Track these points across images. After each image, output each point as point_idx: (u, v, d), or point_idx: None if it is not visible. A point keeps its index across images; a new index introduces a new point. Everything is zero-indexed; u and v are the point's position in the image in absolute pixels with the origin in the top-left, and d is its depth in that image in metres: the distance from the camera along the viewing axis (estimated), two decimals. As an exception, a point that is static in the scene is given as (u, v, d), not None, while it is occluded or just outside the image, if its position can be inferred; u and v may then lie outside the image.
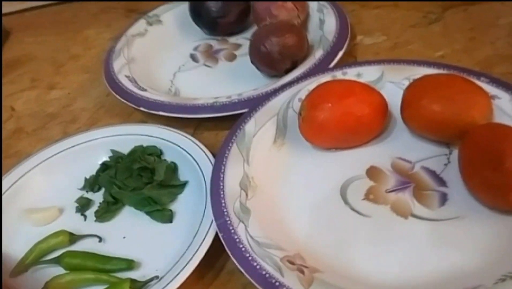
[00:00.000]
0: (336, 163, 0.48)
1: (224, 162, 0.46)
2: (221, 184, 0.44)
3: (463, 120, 0.43)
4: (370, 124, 0.47)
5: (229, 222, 0.41)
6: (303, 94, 0.52)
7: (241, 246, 0.39)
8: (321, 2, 0.66)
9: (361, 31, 0.66)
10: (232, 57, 0.66)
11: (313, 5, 0.66)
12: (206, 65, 0.66)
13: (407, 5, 0.69)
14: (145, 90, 0.59)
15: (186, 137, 0.51)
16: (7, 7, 0.88)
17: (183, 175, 0.50)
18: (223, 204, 0.43)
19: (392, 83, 0.52)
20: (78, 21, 0.84)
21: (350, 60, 0.61)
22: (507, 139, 0.39)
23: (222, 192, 0.44)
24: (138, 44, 0.68)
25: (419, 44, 0.62)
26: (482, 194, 0.41)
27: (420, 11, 0.67)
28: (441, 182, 0.44)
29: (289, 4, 0.63)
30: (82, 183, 0.52)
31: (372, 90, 0.48)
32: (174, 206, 0.48)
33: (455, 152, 0.45)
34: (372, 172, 0.46)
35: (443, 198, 0.43)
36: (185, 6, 0.70)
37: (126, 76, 0.61)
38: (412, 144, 0.48)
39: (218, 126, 0.56)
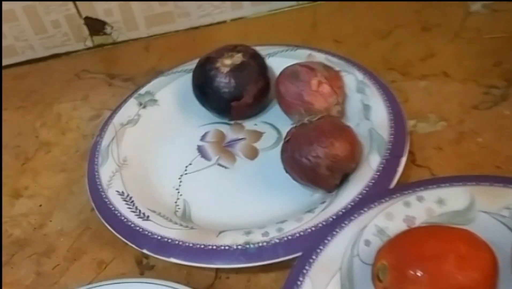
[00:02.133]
0: None
1: None
2: None
3: None
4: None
5: None
6: (369, 234, 0.38)
7: None
8: (358, 77, 0.53)
9: (411, 113, 0.52)
10: (253, 153, 0.51)
11: (350, 83, 0.53)
12: (220, 165, 0.51)
13: (459, 74, 0.56)
14: (147, 218, 0.44)
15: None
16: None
17: None
18: None
19: (486, 213, 0.39)
20: (47, 90, 0.67)
21: (408, 162, 0.47)
22: None
23: None
24: (129, 136, 0.53)
25: (491, 134, 0.49)
26: None
27: (478, 84, 0.55)
28: None
29: (326, 87, 0.49)
30: None
31: (480, 243, 0.34)
32: None
33: None
34: None
35: None
36: (185, 77, 0.56)
37: (119, 193, 0.46)
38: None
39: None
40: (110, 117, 0.55)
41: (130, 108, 0.55)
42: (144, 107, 0.56)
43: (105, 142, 0.52)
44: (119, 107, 0.56)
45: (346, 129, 0.44)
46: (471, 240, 0.34)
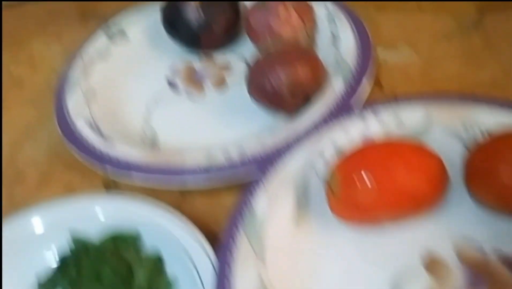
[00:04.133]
0: (381, 248, 0.36)
1: (229, 263, 0.33)
2: (230, 303, 0.31)
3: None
4: (427, 198, 0.35)
5: None
6: (326, 149, 0.39)
7: None
8: (329, 8, 0.52)
9: (381, 42, 0.52)
10: (222, 83, 0.52)
11: (320, 13, 0.52)
12: (189, 96, 0.51)
13: (432, 7, 0.56)
14: (111, 141, 0.44)
15: (168, 213, 0.37)
16: None
17: (171, 266, 0.37)
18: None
19: (443, 130, 0.39)
20: (20, 30, 0.67)
21: (375, 88, 0.48)
22: None
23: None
24: (99, 70, 0.52)
25: (459, 61, 0.49)
26: None
27: (451, 14, 0.54)
28: (528, 279, 0.32)
29: (294, 17, 0.48)
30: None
31: (426, 151, 0.35)
32: (164, 322, 0.35)
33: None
34: (431, 262, 0.34)
35: (535, 306, 0.31)
36: (155, 13, 0.55)
37: (86, 122, 0.46)
38: (479, 217, 0.36)
39: (214, 188, 0.42)
40: (79, 51, 0.54)
41: (99, 41, 0.55)
42: (113, 40, 0.55)
43: (73, 74, 0.52)
44: (87, 41, 0.55)
45: (309, 54, 0.44)
46: (420, 150, 0.35)
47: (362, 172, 0.33)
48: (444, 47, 0.51)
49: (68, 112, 0.48)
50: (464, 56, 0.50)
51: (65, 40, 0.63)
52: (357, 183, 0.33)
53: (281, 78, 0.42)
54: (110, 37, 0.56)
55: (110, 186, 0.45)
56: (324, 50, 0.49)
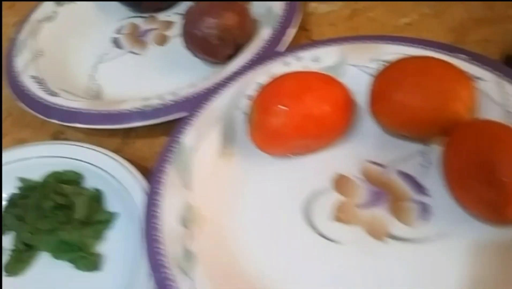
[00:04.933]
0: (297, 173, 0.40)
1: (158, 191, 0.37)
2: (157, 222, 0.35)
3: (444, 115, 0.35)
4: (334, 125, 0.39)
5: (168, 275, 0.33)
6: (251, 89, 0.43)
7: (186, 309, 0.31)
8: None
9: (313, -4, 0.56)
10: (163, 40, 0.55)
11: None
12: (132, 52, 0.54)
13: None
14: (57, 94, 0.47)
15: (110, 156, 0.41)
16: None
17: (112, 204, 0.41)
18: (160, 251, 0.34)
19: (355, 66, 0.43)
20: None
21: (303, 36, 0.52)
22: (498, 143, 0.32)
23: (158, 234, 0.35)
24: (46, 31, 0.56)
25: (381, 10, 0.53)
26: (472, 207, 0.34)
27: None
28: (421, 189, 0.37)
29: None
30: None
31: (334, 82, 0.39)
32: (103, 248, 0.39)
33: (436, 150, 0.38)
34: (340, 183, 0.39)
35: (425, 211, 0.36)
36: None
37: (33, 77, 0.49)
38: (384, 142, 0.40)
39: (153, 131, 0.46)
40: (28, 15, 0.57)
41: (46, 6, 0.58)
42: (60, 4, 0.58)
43: (21, 36, 0.54)
44: (36, 5, 0.58)
45: (237, 3, 0.48)
46: (328, 80, 0.39)
47: (274, 100, 0.37)
48: (370, -2, 0.55)
49: (16, 70, 0.51)
50: (387, 4, 0.53)
51: (19, 10, 0.65)
52: (269, 110, 0.37)
53: (210, 26, 0.45)
54: (58, 2, 0.58)
55: (58, 137, 0.49)
56: (257, 4, 0.53)
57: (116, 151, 0.44)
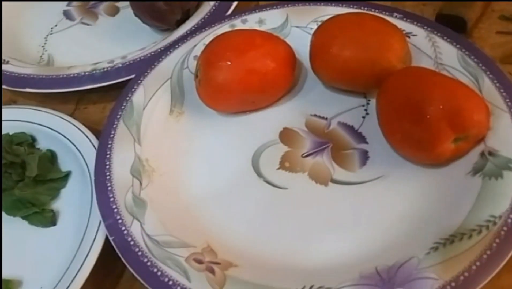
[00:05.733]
0: (245, 129, 0.41)
1: (109, 146, 0.38)
2: (108, 173, 0.37)
3: (378, 66, 0.38)
4: (278, 81, 0.41)
5: (120, 221, 0.34)
6: (198, 51, 0.44)
7: (136, 249, 0.33)
8: None
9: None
10: (114, 11, 0.56)
11: None
12: (83, 23, 0.55)
13: None
14: (7, 62, 0.48)
15: (62, 118, 0.42)
16: None
17: (64, 165, 0.42)
18: (112, 199, 0.35)
19: (298, 28, 0.45)
20: None
21: (251, 5, 0.53)
22: (425, 85, 0.34)
23: (109, 184, 0.36)
24: (-4, 4, 0.55)
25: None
26: (404, 148, 0.36)
27: None
28: (361, 138, 0.39)
29: None
30: None
31: (277, 39, 0.41)
32: (57, 205, 0.40)
33: (373, 102, 0.41)
34: (286, 135, 0.41)
35: (364, 157, 0.38)
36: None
37: (-19, 47, 0.49)
38: (327, 98, 0.42)
39: (105, 97, 0.47)
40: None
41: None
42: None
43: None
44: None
45: (184, -30, 0.49)
46: (270, 38, 0.41)
47: (218, 55, 0.39)
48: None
49: (-34, 42, 0.50)
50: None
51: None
52: (214, 65, 0.39)
53: (157, -8, 0.46)
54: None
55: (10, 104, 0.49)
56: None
57: (70, 115, 0.45)
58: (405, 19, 0.43)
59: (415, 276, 0.29)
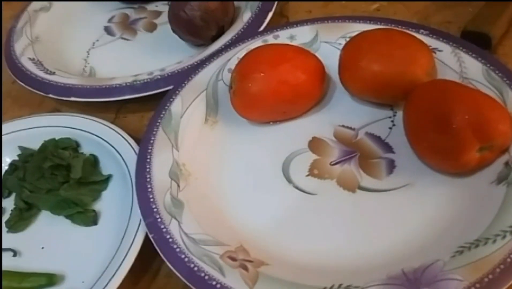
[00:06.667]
0: (276, 138, 0.44)
1: (149, 150, 0.41)
2: (148, 176, 0.39)
3: (405, 79, 0.40)
4: (308, 92, 0.43)
5: (159, 220, 0.36)
6: (233, 64, 0.46)
7: (175, 246, 0.35)
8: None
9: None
10: (152, 27, 0.59)
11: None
12: (123, 38, 0.58)
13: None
14: (53, 73, 0.51)
15: (104, 124, 0.45)
16: None
17: (105, 168, 0.44)
18: (152, 200, 0.37)
19: (327, 43, 0.47)
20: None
21: (281, 22, 0.56)
22: (451, 97, 0.36)
23: (149, 186, 0.38)
24: (42, 20, 0.59)
25: (353, -3, 0.58)
26: (430, 158, 0.38)
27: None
28: (387, 148, 0.41)
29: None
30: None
31: (307, 53, 0.43)
32: (98, 206, 0.42)
33: (400, 114, 0.42)
34: (315, 144, 0.42)
35: (391, 166, 0.40)
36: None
37: (30, 59, 0.53)
38: (354, 109, 0.44)
39: (143, 107, 0.50)
40: (26, 6, 0.61)
41: (42, -2, 0.62)
42: (55, -4, 0.62)
43: (19, 25, 0.58)
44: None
45: (219, -11, 0.52)
46: (301, 52, 0.43)
47: (252, 67, 0.41)
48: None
49: (15, 55, 0.54)
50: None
51: (15, 5, 0.69)
52: (248, 76, 0.41)
53: (194, 9, 0.49)
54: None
55: (55, 114, 0.52)
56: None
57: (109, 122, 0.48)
58: (431, 35, 0.45)
59: (441, 277, 0.31)
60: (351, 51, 0.42)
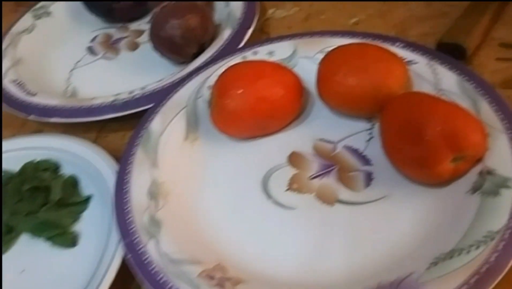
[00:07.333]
0: (256, 154, 0.44)
1: (127, 171, 0.41)
2: (126, 196, 0.39)
3: (380, 92, 0.40)
4: (286, 107, 0.43)
5: (137, 240, 0.36)
6: (212, 81, 0.47)
7: (151, 267, 0.34)
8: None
9: (272, 4, 0.61)
10: (134, 46, 0.60)
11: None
12: (105, 58, 0.59)
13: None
14: (35, 94, 0.51)
15: (84, 145, 0.45)
16: None
17: (87, 189, 0.44)
18: (130, 219, 0.37)
19: (306, 58, 0.48)
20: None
21: (262, 38, 0.57)
22: (424, 109, 0.36)
23: (127, 206, 0.38)
24: (25, 41, 0.60)
25: (332, 12, 0.59)
26: (406, 169, 0.38)
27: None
28: (365, 160, 0.41)
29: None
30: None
31: (284, 69, 0.44)
32: (78, 227, 0.42)
33: (377, 126, 0.42)
34: (294, 159, 0.43)
35: (368, 178, 0.40)
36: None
37: (12, 81, 0.53)
38: (333, 123, 0.45)
39: (125, 126, 0.50)
40: (9, 29, 0.61)
41: (26, 20, 0.62)
42: (39, 18, 0.62)
43: (3, 46, 0.59)
44: (17, 20, 0.62)
45: (199, 7, 0.53)
46: (279, 68, 0.44)
47: (230, 84, 0.41)
48: (322, 2, 0.60)
49: (-3, 76, 0.55)
50: (337, 8, 0.59)
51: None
52: (226, 93, 0.41)
53: (174, 27, 0.50)
54: (36, 16, 0.63)
55: (38, 135, 0.52)
56: (218, 9, 0.58)
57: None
58: (407, 48, 0.45)
59: (416, 289, 0.31)
60: (327, 65, 0.42)
